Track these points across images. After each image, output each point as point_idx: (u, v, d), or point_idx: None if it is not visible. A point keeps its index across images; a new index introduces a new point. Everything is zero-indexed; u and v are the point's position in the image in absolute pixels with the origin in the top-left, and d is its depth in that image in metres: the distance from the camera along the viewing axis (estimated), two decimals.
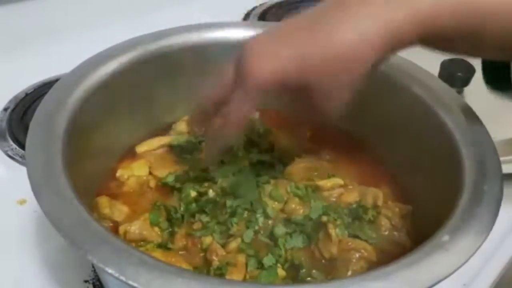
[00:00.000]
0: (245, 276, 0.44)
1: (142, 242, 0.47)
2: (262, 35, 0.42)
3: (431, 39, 0.40)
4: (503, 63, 0.56)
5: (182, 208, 0.49)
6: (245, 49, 0.41)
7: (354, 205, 0.52)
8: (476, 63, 0.73)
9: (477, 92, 0.71)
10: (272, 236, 0.48)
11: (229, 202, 0.49)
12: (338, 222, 0.49)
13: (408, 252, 0.37)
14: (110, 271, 0.33)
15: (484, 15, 0.38)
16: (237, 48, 0.42)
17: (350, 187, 0.54)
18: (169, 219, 0.49)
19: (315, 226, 0.49)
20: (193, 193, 0.51)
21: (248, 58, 0.40)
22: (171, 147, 0.58)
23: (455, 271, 0.35)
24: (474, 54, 0.47)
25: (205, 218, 0.48)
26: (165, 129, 0.61)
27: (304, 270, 0.46)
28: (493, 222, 0.39)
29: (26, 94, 0.76)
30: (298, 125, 0.54)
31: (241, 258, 0.45)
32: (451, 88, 0.54)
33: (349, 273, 0.45)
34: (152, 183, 0.53)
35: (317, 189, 0.53)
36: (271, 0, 1.08)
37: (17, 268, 0.52)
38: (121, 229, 0.48)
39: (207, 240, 0.47)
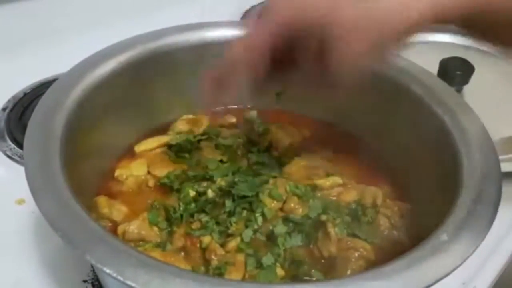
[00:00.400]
0: (244, 276, 0.44)
1: (140, 242, 0.47)
2: None
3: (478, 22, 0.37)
4: None
5: (181, 208, 0.49)
6: None
7: (353, 204, 0.52)
8: (475, 61, 0.72)
9: (476, 90, 0.71)
10: (271, 235, 0.48)
11: (228, 202, 0.49)
12: (337, 221, 0.49)
13: (407, 251, 0.37)
14: (108, 271, 0.33)
15: None
16: None
17: (349, 186, 0.54)
18: (168, 219, 0.49)
19: (314, 225, 0.49)
20: (192, 193, 0.51)
21: None
22: (169, 147, 0.58)
23: (454, 270, 0.35)
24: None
25: (204, 218, 0.48)
26: (164, 129, 0.60)
27: (303, 269, 0.46)
28: (492, 221, 0.39)
29: (24, 94, 0.75)
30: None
31: (240, 258, 0.45)
32: (450, 87, 0.54)
33: (348, 272, 0.45)
34: (151, 183, 0.53)
35: (316, 188, 0.53)
36: None
37: (16, 269, 0.52)
38: (120, 229, 0.48)
39: (206, 239, 0.47)
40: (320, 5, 0.37)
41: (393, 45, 0.38)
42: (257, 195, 0.50)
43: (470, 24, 0.39)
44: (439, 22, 0.37)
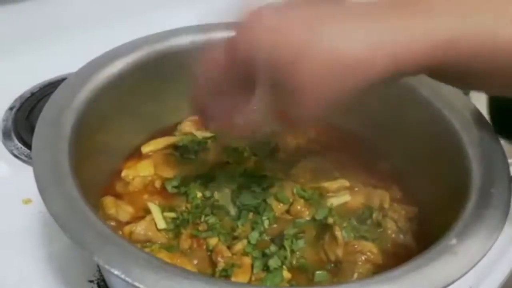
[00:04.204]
0: (250, 278, 0.44)
1: (147, 243, 0.47)
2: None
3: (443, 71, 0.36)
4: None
5: (188, 210, 0.49)
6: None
7: (360, 207, 0.51)
8: None
9: (484, 94, 0.70)
10: (277, 238, 0.48)
11: (232, 210, 0.49)
12: (344, 224, 0.49)
13: (414, 255, 0.37)
14: (116, 272, 0.33)
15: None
16: None
17: (356, 189, 0.54)
18: (175, 220, 0.49)
19: (321, 228, 0.49)
20: (199, 195, 0.50)
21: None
22: (176, 148, 0.58)
23: (464, 274, 0.35)
24: (480, 89, 0.44)
25: (211, 220, 0.48)
26: (171, 130, 0.60)
27: (309, 273, 0.45)
28: (502, 225, 0.39)
29: (32, 94, 0.76)
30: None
31: (247, 260, 0.45)
32: (458, 90, 0.54)
33: (355, 275, 0.45)
34: (158, 184, 0.53)
35: (322, 191, 0.53)
36: (276, 1, 1.07)
37: (22, 268, 0.52)
38: (126, 229, 0.48)
39: (213, 241, 0.46)
40: (286, 50, 0.35)
41: (349, 98, 0.37)
42: (263, 197, 0.50)
43: (438, 75, 0.38)
44: (402, 75, 0.36)
